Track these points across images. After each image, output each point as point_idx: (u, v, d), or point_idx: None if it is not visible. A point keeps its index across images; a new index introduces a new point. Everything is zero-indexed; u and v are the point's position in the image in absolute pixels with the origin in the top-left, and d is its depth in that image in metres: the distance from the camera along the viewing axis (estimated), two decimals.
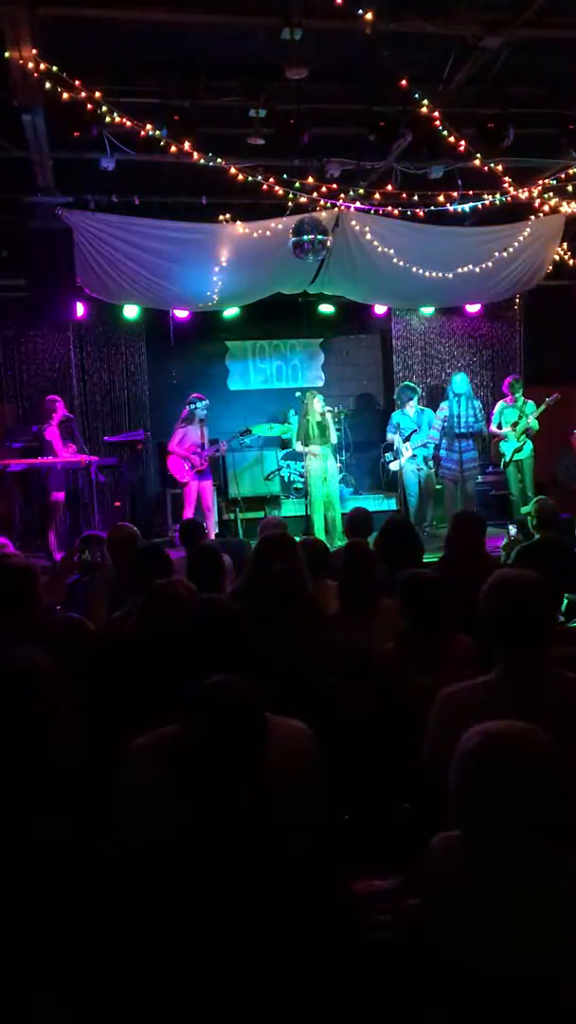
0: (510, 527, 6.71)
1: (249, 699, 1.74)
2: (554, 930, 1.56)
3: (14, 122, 6.20)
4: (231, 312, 9.74)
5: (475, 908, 1.61)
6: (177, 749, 1.71)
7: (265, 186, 7.30)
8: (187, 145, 6.50)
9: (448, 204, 7.99)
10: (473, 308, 10.58)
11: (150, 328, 10.14)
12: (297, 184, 7.49)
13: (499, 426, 9.21)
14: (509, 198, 7.88)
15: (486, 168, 7.30)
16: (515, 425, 9.08)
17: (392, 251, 8.35)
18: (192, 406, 8.92)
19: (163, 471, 10.20)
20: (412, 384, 9.56)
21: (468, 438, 8.81)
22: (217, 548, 4.40)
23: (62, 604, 4.65)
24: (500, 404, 9.33)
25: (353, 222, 8.10)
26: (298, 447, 8.90)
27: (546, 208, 8.43)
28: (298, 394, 9.74)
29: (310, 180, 7.57)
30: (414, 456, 9.04)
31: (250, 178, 7.13)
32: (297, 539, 4.55)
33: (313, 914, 1.58)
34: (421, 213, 8.08)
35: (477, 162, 7.13)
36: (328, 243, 7.73)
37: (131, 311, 9.47)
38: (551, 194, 8.12)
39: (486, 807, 1.63)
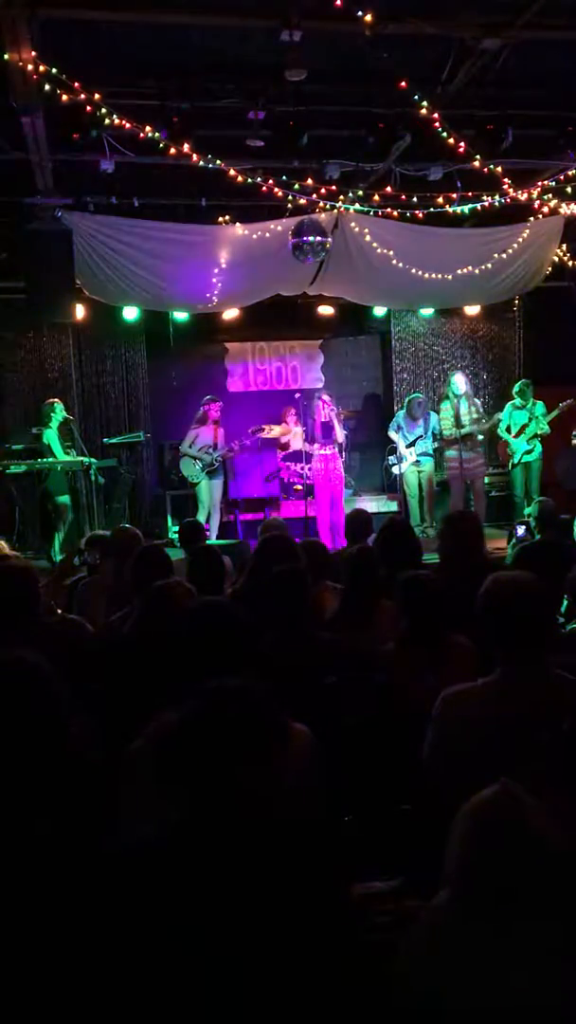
0: (518, 527, 6.71)
1: (266, 701, 1.74)
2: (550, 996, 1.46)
3: (13, 124, 6.20)
4: (230, 313, 9.75)
5: (470, 980, 1.49)
6: (186, 746, 1.71)
7: (264, 188, 7.30)
8: (186, 147, 6.50)
9: (447, 205, 7.98)
10: (472, 309, 10.57)
11: (149, 330, 10.14)
12: (296, 186, 7.49)
13: (508, 428, 9.19)
14: (508, 199, 7.88)
15: (485, 169, 7.30)
16: (524, 428, 9.08)
17: (391, 252, 8.35)
18: (205, 407, 9.01)
19: (162, 472, 10.23)
20: (422, 398, 9.50)
21: (469, 438, 8.80)
22: (217, 549, 4.41)
23: (62, 606, 4.65)
24: (508, 406, 9.31)
25: (352, 224, 8.10)
26: (306, 447, 8.95)
27: (545, 209, 8.44)
28: (297, 395, 9.74)
29: (309, 182, 7.57)
30: (417, 461, 9.06)
31: (249, 180, 7.13)
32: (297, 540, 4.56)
33: (313, 915, 1.57)
34: (420, 214, 8.09)
35: (476, 163, 7.13)
36: (327, 245, 7.74)
37: (130, 313, 9.48)
38: (550, 195, 8.12)
39: (472, 868, 1.53)
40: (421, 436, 9.04)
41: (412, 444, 9.04)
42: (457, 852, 1.56)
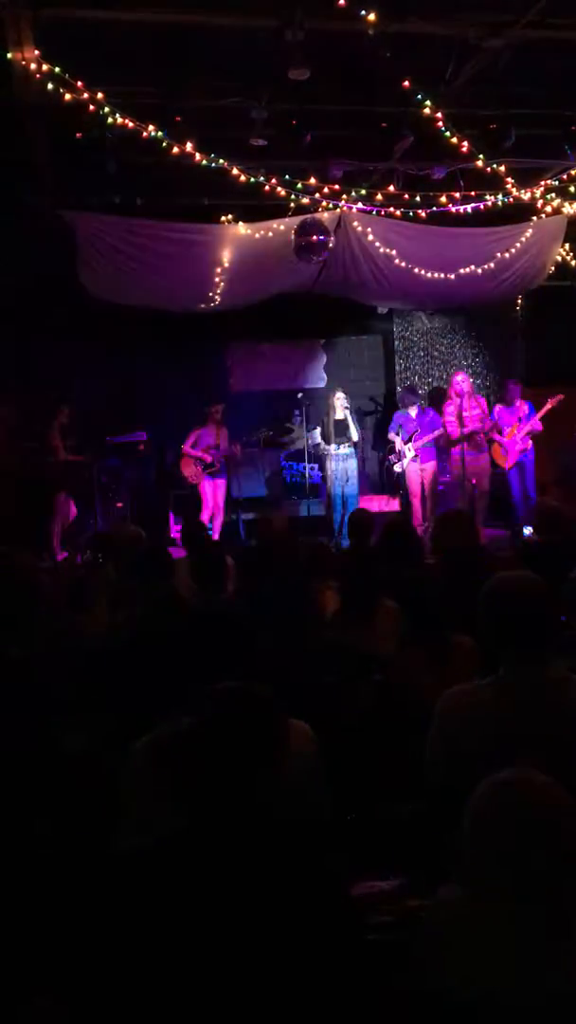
0: (525, 528, 6.71)
1: (268, 705, 1.74)
2: (560, 992, 1.46)
3: (16, 123, 6.20)
4: (232, 313, 9.73)
5: (478, 969, 1.50)
6: (189, 750, 1.71)
7: (267, 187, 7.30)
8: (189, 146, 6.50)
9: (450, 205, 7.98)
10: (475, 309, 10.55)
11: (151, 329, 10.12)
12: (299, 185, 7.49)
13: (499, 430, 9.18)
14: (511, 199, 7.87)
15: (488, 169, 7.29)
16: (513, 428, 9.07)
17: (394, 252, 8.35)
18: (208, 408, 9.07)
19: (165, 472, 10.23)
20: (414, 387, 9.54)
21: (469, 438, 8.79)
22: (220, 549, 4.41)
23: (63, 605, 4.65)
24: (498, 408, 9.31)
25: (355, 223, 8.10)
26: (322, 447, 9.00)
27: (548, 209, 8.42)
28: (299, 395, 9.74)
29: (312, 181, 7.56)
30: (416, 457, 9.05)
31: (252, 179, 7.13)
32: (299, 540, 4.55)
33: (315, 916, 1.57)
34: (423, 214, 8.08)
35: (479, 163, 7.13)
36: (330, 244, 7.73)
37: (132, 312, 9.46)
38: (553, 195, 8.12)
39: (492, 862, 1.53)
40: (417, 429, 9.03)
41: (409, 439, 9.04)
42: (472, 839, 1.55)
